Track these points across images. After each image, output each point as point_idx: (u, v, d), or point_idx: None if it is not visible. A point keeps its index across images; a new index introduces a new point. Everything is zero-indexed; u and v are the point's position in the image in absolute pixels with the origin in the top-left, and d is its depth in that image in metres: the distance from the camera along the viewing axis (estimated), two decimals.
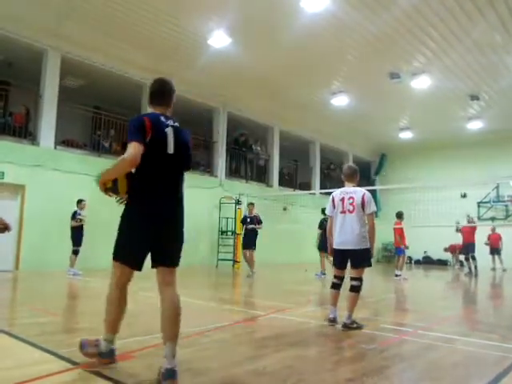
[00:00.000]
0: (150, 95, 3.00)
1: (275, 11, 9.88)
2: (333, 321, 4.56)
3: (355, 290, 4.48)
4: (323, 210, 11.86)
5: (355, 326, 4.41)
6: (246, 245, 10.65)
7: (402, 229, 11.32)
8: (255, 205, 11.04)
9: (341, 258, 4.60)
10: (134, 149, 2.63)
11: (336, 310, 4.60)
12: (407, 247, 11.41)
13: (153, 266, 2.82)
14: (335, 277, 4.69)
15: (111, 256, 2.95)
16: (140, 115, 2.90)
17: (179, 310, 2.73)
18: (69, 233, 9.44)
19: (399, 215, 11.39)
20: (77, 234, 9.43)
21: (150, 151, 2.71)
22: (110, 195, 2.87)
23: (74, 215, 9.43)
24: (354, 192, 4.59)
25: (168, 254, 2.82)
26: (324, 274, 10.74)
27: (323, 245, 10.66)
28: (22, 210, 10.20)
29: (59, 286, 8.09)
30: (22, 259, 10.02)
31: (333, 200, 4.70)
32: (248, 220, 10.74)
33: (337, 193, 4.73)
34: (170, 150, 2.80)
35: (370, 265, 4.57)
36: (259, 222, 10.67)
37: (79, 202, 9.58)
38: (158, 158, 2.77)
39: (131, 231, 2.78)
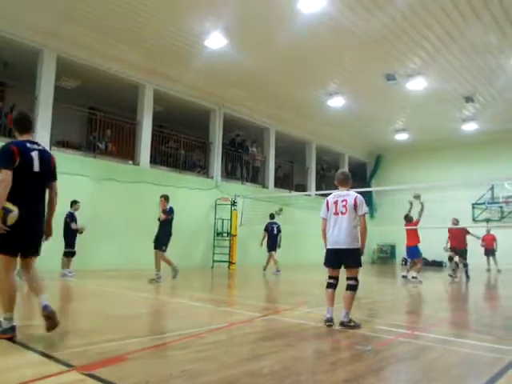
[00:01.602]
0: (15, 126, 3.86)
1: (271, 12, 9.89)
2: (329, 321, 4.55)
3: (351, 288, 4.57)
4: (271, 216, 12.80)
5: (352, 324, 4.45)
6: (155, 244, 9.01)
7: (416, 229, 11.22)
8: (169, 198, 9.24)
9: (334, 257, 4.71)
10: (5, 175, 3.48)
11: (332, 311, 4.60)
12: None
13: (22, 256, 3.73)
14: (330, 277, 4.75)
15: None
16: (8, 144, 3.66)
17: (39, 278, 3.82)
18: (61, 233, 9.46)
19: (409, 219, 11.23)
20: (73, 236, 9.42)
21: (19, 171, 3.55)
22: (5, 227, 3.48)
23: (72, 217, 9.38)
24: (347, 195, 4.79)
25: (32, 248, 3.75)
26: (265, 269, 12.24)
27: (270, 245, 12.54)
28: None
29: (52, 287, 8.04)
30: None
31: (327, 203, 4.88)
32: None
33: (331, 196, 4.92)
34: (36, 168, 3.68)
35: (360, 265, 4.68)
36: (167, 213, 9.00)
37: (74, 203, 9.55)
38: (26, 175, 3.63)
39: (11, 231, 3.51)
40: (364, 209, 4.67)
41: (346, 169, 4.77)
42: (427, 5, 9.47)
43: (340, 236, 4.63)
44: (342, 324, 4.46)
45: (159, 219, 9.03)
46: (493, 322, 5.62)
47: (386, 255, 21.85)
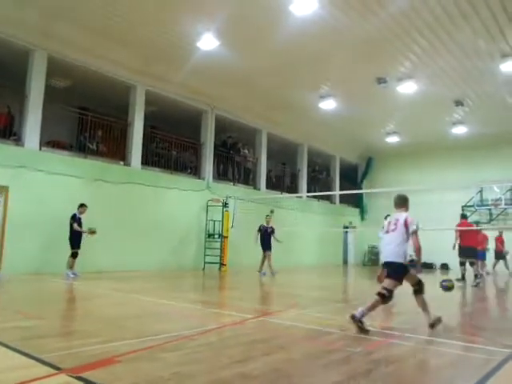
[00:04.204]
0: None
1: (264, 14, 9.90)
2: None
3: (377, 293, 4.72)
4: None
5: (360, 325, 4.57)
6: None
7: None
8: None
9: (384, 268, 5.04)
10: None
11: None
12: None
13: None
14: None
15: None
16: None
17: None
18: (57, 234, 9.49)
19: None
20: (77, 237, 9.62)
21: None
22: None
23: (74, 218, 9.66)
24: (400, 216, 5.10)
25: None
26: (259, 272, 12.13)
27: (265, 245, 12.39)
28: (5, 212, 9.99)
29: (43, 289, 7.94)
30: (4, 261, 9.81)
31: (384, 225, 5.24)
32: None
33: (388, 219, 5.25)
34: None
35: (396, 279, 4.80)
36: None
37: (81, 206, 9.84)
38: None
39: None
40: (413, 227, 4.93)
41: (402, 193, 5.28)
42: (418, 9, 9.56)
43: (386, 251, 4.99)
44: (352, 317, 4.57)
45: None
46: (481, 324, 5.67)
47: (376, 257, 21.95)
